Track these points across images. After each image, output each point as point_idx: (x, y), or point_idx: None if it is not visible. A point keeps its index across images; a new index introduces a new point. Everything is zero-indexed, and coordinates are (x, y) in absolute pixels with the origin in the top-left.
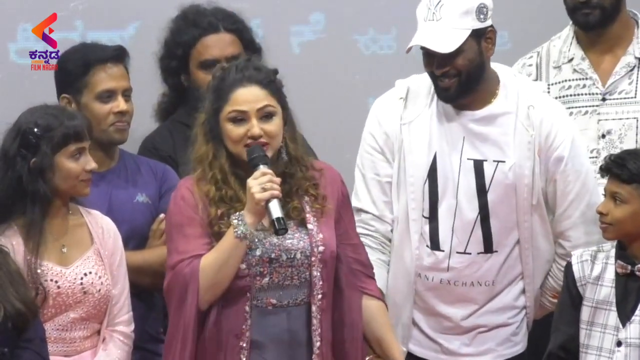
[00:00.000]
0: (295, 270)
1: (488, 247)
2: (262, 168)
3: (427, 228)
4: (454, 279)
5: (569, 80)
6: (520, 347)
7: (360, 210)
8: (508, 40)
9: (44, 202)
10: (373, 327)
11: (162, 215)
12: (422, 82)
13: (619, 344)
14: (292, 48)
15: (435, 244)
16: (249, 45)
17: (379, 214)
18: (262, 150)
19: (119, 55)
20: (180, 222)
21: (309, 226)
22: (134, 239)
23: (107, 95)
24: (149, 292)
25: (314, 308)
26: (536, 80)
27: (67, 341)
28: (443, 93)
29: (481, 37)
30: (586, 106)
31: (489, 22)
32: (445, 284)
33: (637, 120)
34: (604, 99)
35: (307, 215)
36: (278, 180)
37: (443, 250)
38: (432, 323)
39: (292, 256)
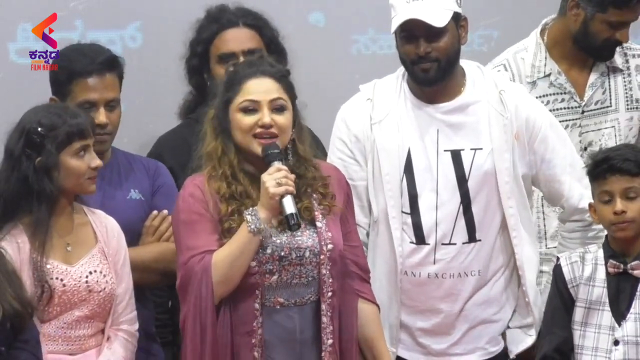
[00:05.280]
0: (304, 269)
1: (472, 236)
2: (277, 164)
3: (409, 223)
4: (442, 272)
5: (547, 95)
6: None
7: None
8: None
9: (51, 201)
10: (366, 331)
11: (155, 212)
12: (388, 82)
13: (616, 342)
14: (292, 48)
15: (420, 238)
16: (271, 43)
17: None
18: (277, 147)
19: (104, 66)
20: (189, 219)
21: (318, 224)
22: (127, 236)
23: (88, 106)
24: (140, 290)
25: (323, 306)
26: None
27: (71, 339)
28: (422, 75)
29: (458, 23)
30: (567, 120)
31: (462, 11)
32: (433, 278)
33: (615, 129)
34: (583, 112)
35: (316, 213)
36: (293, 176)
37: (429, 244)
38: (420, 323)
39: (301, 254)
